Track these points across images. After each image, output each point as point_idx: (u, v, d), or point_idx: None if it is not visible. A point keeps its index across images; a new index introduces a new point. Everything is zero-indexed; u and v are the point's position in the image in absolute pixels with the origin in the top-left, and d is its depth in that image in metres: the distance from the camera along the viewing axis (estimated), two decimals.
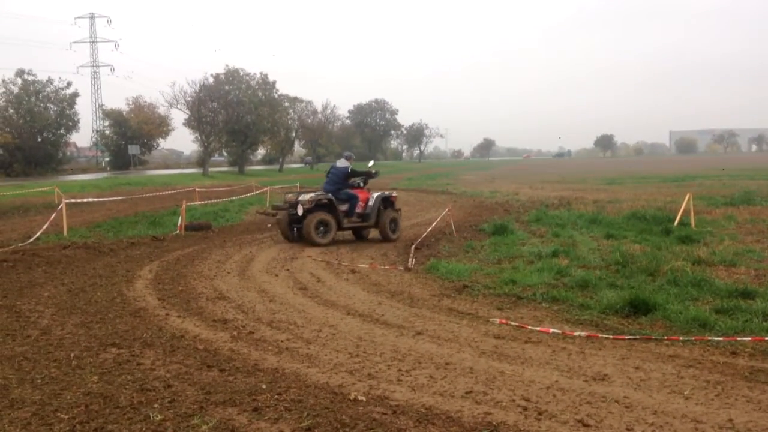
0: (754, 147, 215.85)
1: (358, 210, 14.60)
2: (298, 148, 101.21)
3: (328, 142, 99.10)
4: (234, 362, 5.88)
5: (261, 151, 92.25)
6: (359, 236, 15.17)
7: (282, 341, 6.60)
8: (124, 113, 74.43)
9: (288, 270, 10.93)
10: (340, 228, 14.37)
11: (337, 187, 14.53)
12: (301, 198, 13.99)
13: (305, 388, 5.19)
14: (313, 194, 14.18)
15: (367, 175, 15.33)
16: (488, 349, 6.24)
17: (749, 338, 6.25)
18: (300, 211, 13.83)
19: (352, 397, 4.99)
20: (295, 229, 14.13)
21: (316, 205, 13.93)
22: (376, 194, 14.91)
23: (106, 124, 77.82)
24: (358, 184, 15.14)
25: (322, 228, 13.90)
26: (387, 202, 15.04)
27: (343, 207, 14.42)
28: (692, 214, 14.98)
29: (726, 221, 15.51)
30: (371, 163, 17.93)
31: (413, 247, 12.84)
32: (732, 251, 11.11)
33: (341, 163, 15.01)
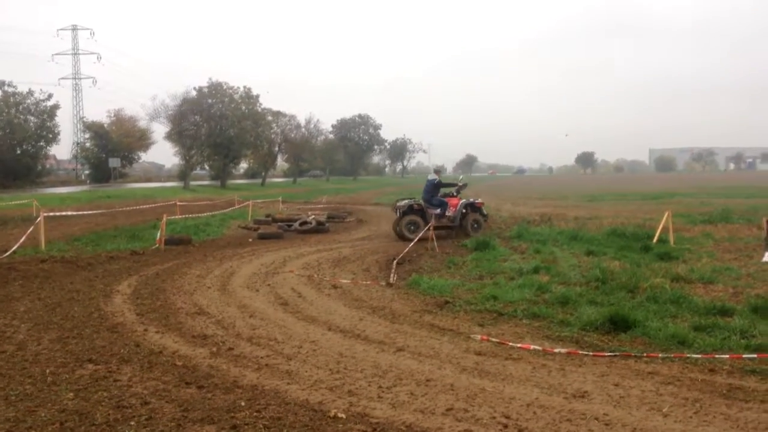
0: (731, 165, 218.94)
1: (449, 214, 17.99)
2: (280, 162, 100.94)
3: (311, 157, 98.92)
4: (213, 379, 5.82)
5: (243, 165, 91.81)
6: (465, 233, 17.76)
7: (262, 357, 6.55)
8: (105, 126, 73.78)
9: (269, 285, 10.87)
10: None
11: (431, 195, 18.00)
12: (398, 204, 18.08)
13: (285, 406, 5.15)
14: (407, 200, 18.14)
15: (459, 186, 18.87)
16: (469, 366, 6.24)
17: (727, 356, 6.31)
18: (397, 213, 17.72)
19: (332, 414, 4.96)
20: (397, 228, 17.70)
21: (409, 209, 17.69)
22: (462, 201, 18.25)
23: (87, 136, 77.04)
24: (452, 193, 18.62)
25: (412, 227, 17.40)
26: (471, 207, 18.43)
27: (436, 211, 17.84)
28: (671, 231, 15.13)
29: (704, 239, 15.69)
30: (461, 176, 20.82)
31: (395, 262, 12.83)
32: (710, 269, 11.24)
33: (431, 176, 18.57)
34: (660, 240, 14.72)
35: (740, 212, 23.30)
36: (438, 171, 18.99)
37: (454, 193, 18.65)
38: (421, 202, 17.87)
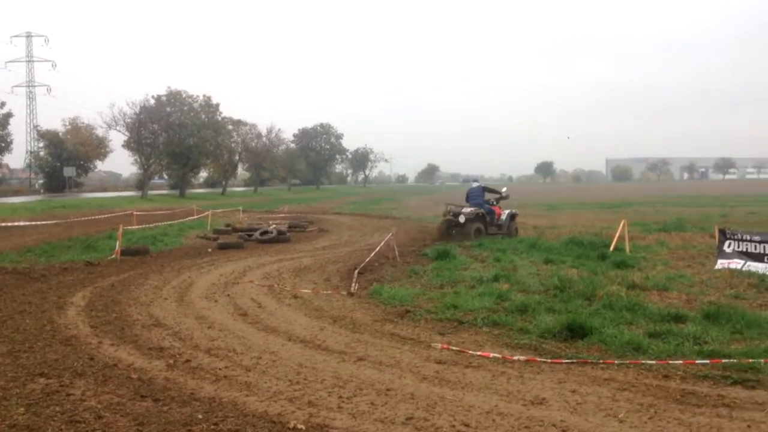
0: (685, 175, 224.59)
1: (496, 220, 19.78)
2: (241, 171, 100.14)
3: (272, 166, 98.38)
4: (169, 392, 5.72)
5: (203, 174, 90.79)
6: (510, 237, 19.25)
7: (220, 369, 6.46)
8: (60, 134, 72.14)
9: (228, 295, 10.75)
10: (486, 232, 19.15)
11: (480, 202, 19.75)
12: (463, 210, 19.29)
13: (243, 418, 5.09)
14: (471, 209, 19.31)
15: (501, 197, 20.78)
16: (429, 375, 6.26)
17: (681, 361, 6.45)
18: (462, 219, 19.03)
19: (291, 425, 4.91)
20: (453, 232, 19.20)
21: (475, 217, 19.12)
22: (507, 211, 20.33)
23: (41, 145, 75.27)
24: (493, 202, 20.36)
25: (475, 231, 18.76)
26: (513, 216, 20.47)
27: (487, 218, 19.53)
28: (627, 239, 15.43)
29: (659, 247, 16.05)
30: (504, 189, 22.26)
31: (356, 271, 12.80)
32: (664, 276, 11.49)
33: (475, 184, 20.92)
34: (616, 248, 15.00)
35: (693, 221, 23.94)
36: (477, 180, 22.12)
37: (494, 202, 20.46)
38: (482, 210, 19.54)
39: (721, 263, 12.68)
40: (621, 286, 10.20)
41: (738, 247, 12.73)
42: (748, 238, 12.64)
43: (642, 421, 5.00)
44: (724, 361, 6.37)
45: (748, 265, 12.21)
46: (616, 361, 6.55)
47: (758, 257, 12.29)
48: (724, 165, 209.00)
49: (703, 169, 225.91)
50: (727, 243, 12.96)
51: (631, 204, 43.31)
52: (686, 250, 15.57)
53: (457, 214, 19.29)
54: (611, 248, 14.99)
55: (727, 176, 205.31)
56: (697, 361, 6.41)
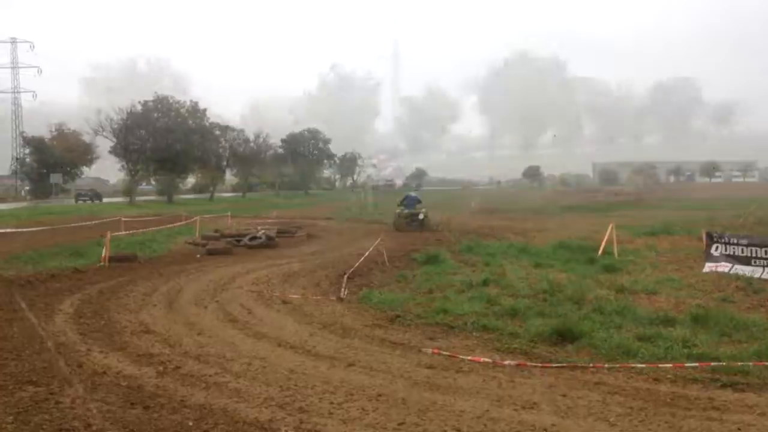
0: (672, 178, 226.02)
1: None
2: (229, 176, 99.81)
3: (260, 171, 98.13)
4: (159, 399, 5.68)
5: (191, 180, 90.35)
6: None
7: (210, 376, 6.43)
8: (46, 140, 71.60)
9: (217, 301, 10.69)
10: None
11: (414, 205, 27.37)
12: (422, 210, 26.64)
13: (233, 424, 5.07)
14: (423, 209, 26.86)
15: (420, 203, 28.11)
16: (420, 380, 6.25)
17: (670, 365, 6.48)
18: (421, 216, 26.19)
19: None
20: (413, 224, 25.60)
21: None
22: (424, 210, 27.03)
23: (27, 151, 74.66)
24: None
25: (420, 224, 25.60)
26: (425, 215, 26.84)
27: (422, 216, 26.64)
28: (615, 243, 15.49)
29: (647, 250, 16.12)
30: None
31: (346, 277, 12.78)
32: (653, 280, 11.55)
33: (414, 193, 30.44)
34: (605, 252, 15.07)
35: (681, 224, 24.08)
36: (416, 189, 31.50)
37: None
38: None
39: (708, 266, 12.76)
40: (610, 290, 10.28)
41: (725, 250, 12.81)
42: (735, 241, 12.73)
43: (633, 424, 5.02)
44: (713, 364, 6.42)
45: (736, 268, 12.30)
46: (606, 365, 6.58)
47: (745, 260, 12.39)
48: (710, 168, 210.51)
49: (689, 173, 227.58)
50: (714, 246, 13.05)
51: (619, 207, 43.51)
52: (674, 253, 15.66)
53: (416, 214, 26.31)
54: (600, 252, 15.06)
55: (714, 179, 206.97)
56: (686, 365, 6.45)
